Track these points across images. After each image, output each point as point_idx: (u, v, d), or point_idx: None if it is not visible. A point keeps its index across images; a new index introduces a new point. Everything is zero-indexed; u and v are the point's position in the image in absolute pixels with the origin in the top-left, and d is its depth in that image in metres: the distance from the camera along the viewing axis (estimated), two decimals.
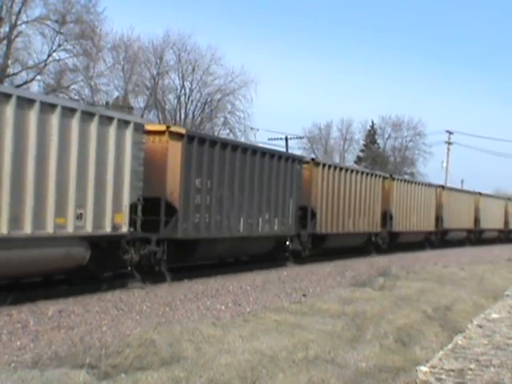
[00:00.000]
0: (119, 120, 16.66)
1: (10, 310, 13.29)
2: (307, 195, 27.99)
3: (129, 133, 16.93)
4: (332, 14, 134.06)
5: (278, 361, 9.44)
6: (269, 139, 69.39)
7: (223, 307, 15.10)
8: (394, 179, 38.51)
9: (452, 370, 10.13)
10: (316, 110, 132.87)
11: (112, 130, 16.36)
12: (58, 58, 48.17)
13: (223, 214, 21.57)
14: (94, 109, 18.56)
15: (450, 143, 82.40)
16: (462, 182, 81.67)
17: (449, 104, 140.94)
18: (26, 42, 47.20)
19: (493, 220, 58.42)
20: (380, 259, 31.62)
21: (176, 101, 64.04)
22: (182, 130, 20.37)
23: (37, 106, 14.12)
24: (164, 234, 19.01)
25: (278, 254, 26.76)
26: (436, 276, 22.92)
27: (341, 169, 31.52)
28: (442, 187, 48.66)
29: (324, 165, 29.76)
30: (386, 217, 37.11)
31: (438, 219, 45.70)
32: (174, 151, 19.30)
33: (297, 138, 76.19)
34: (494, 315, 15.94)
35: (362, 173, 34.22)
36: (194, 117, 63.86)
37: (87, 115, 15.60)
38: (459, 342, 12.35)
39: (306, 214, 28.04)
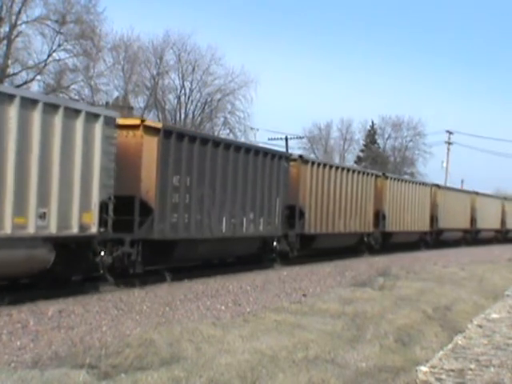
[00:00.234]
0: (87, 113, 15.66)
1: (10, 309, 13.30)
2: (295, 194, 27.07)
3: (98, 127, 15.90)
4: (332, 14, 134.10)
5: (277, 361, 9.44)
6: (269, 139, 69.41)
7: (223, 307, 15.10)
8: (387, 178, 37.58)
9: (452, 370, 10.13)
10: (316, 110, 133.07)
11: (79, 124, 15.35)
12: (58, 58, 48.26)
13: (204, 214, 20.60)
14: (59, 100, 17.77)
15: (450, 143, 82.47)
16: (462, 182, 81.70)
17: (449, 104, 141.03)
18: (26, 42, 47.29)
19: (489, 220, 57.49)
20: (380, 259, 31.57)
21: (176, 101, 64.14)
22: (158, 124, 19.51)
23: None
24: (139, 234, 18.09)
25: (265, 255, 25.74)
26: (436, 276, 22.93)
27: (331, 166, 30.61)
28: (437, 186, 47.66)
29: (313, 162, 28.91)
30: (379, 216, 36.15)
31: (433, 219, 44.80)
32: (150, 147, 18.34)
33: (297, 137, 76.22)
34: (494, 315, 15.93)
35: (354, 171, 33.27)
36: (193, 117, 63.89)
37: (51, 107, 14.61)
38: (459, 342, 12.35)
39: (293, 214, 27.10)
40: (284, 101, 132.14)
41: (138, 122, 18.66)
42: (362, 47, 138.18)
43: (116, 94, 58.59)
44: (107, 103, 52.79)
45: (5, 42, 45.87)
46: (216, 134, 58.90)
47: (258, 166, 23.72)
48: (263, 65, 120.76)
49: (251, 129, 66.27)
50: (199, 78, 64.32)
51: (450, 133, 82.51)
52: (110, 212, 16.58)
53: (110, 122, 16.36)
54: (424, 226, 43.18)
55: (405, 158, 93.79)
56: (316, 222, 28.58)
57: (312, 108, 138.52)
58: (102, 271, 16.90)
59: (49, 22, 47.30)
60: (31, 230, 14.29)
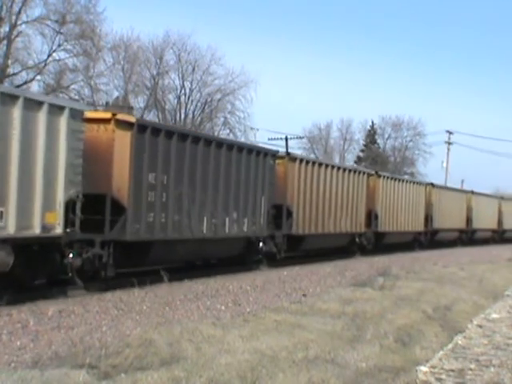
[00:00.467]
0: (51, 105, 14.63)
1: (10, 309, 13.30)
2: (282, 193, 26.10)
3: (63, 120, 14.83)
4: (332, 14, 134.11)
5: (278, 361, 9.44)
6: (269, 139, 69.30)
7: (223, 307, 15.10)
8: (379, 176, 36.53)
9: (452, 370, 10.13)
10: (316, 110, 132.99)
11: (42, 116, 14.34)
12: (57, 58, 48.25)
13: (183, 213, 19.60)
14: (18, 91, 16.88)
15: (450, 143, 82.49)
16: (462, 182, 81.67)
17: (449, 104, 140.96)
18: (26, 42, 47.28)
19: (486, 220, 56.37)
20: (379, 259, 31.57)
21: (176, 101, 64.11)
22: (131, 118, 18.27)
23: None
24: (110, 235, 17.09)
25: (250, 256, 24.57)
26: (436, 276, 22.93)
27: (320, 164, 29.58)
28: (432, 185, 46.51)
29: (301, 160, 27.89)
30: (371, 216, 35.20)
31: (428, 219, 43.84)
32: (122, 142, 17.30)
33: (297, 137, 76.11)
34: (494, 315, 15.94)
35: (345, 169, 32.26)
36: (193, 117, 63.88)
37: (8, 98, 13.69)
38: (459, 342, 12.35)
39: (280, 214, 26.12)
40: (284, 101, 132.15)
41: (108, 115, 17.65)
42: (362, 47, 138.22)
43: (116, 93, 58.57)
44: (107, 103, 52.66)
45: (5, 41, 45.87)
46: (216, 134, 58.94)
47: (242, 163, 22.75)
48: (263, 65, 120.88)
49: (251, 129, 66.30)
50: (199, 78, 64.36)
51: (450, 133, 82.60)
52: (78, 211, 15.54)
53: (76, 115, 15.30)
54: (418, 225, 42.24)
55: (405, 158, 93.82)
56: (304, 222, 27.68)
57: (312, 108, 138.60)
58: (70, 274, 15.90)
59: (49, 22, 47.33)
60: None
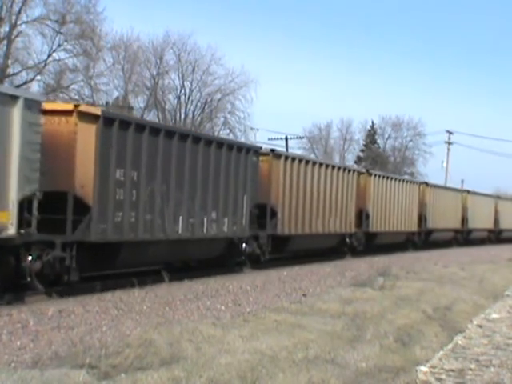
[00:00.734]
0: (1, 94, 13.61)
1: (10, 309, 13.30)
2: (266, 191, 24.77)
3: (17, 111, 13.66)
4: (332, 15, 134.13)
5: (278, 361, 9.44)
6: (269, 139, 69.45)
7: (223, 307, 15.10)
8: (370, 174, 35.21)
9: (452, 370, 10.13)
10: (316, 110, 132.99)
11: None
12: (57, 58, 48.30)
13: (155, 213, 18.36)
14: None
15: (450, 143, 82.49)
16: (462, 182, 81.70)
17: (449, 104, 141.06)
18: (26, 42, 47.34)
19: (482, 219, 54.89)
20: (379, 259, 31.54)
21: (176, 101, 64.16)
22: (97, 110, 17.04)
23: None
24: (73, 236, 15.80)
25: (231, 258, 23.22)
26: (436, 276, 22.93)
27: (307, 162, 28.26)
28: (426, 184, 45.22)
29: (286, 157, 26.62)
30: (362, 216, 33.97)
31: (422, 218, 42.54)
32: (86, 136, 16.07)
33: (297, 137, 76.29)
34: (494, 315, 15.94)
35: (333, 167, 30.88)
36: (193, 117, 63.91)
37: None
38: (459, 342, 12.35)
39: (264, 213, 24.82)
40: (284, 101, 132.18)
41: (70, 107, 16.37)
42: (362, 47, 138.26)
43: (116, 93, 58.70)
44: (107, 103, 52.84)
45: (5, 42, 45.90)
46: (216, 134, 58.94)
47: (222, 160, 21.45)
48: (263, 65, 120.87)
49: (251, 129, 66.34)
50: (199, 78, 64.40)
51: (450, 133, 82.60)
52: (35, 210, 14.35)
53: (32, 107, 14.13)
54: (411, 225, 40.84)
55: (405, 158, 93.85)
56: (290, 222, 26.42)
57: (312, 108, 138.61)
58: (29, 279, 14.71)
59: (49, 22, 47.37)
60: None
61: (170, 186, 18.98)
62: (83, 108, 16.56)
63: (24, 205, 14.07)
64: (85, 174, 16.07)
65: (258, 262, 24.62)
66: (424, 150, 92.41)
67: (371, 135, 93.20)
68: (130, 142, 17.36)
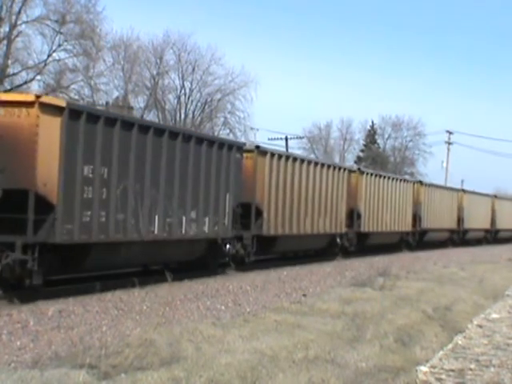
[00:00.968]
0: None
1: (10, 309, 13.30)
2: (251, 190, 23.75)
3: None
4: (332, 14, 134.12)
5: (278, 361, 9.44)
6: (269, 139, 69.53)
7: (223, 307, 15.10)
8: (362, 173, 34.24)
9: (452, 370, 10.13)
10: (316, 110, 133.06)
11: None
12: (57, 58, 48.28)
13: (128, 212, 17.21)
14: None
15: (450, 143, 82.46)
16: (462, 182, 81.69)
17: (449, 104, 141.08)
18: (26, 41, 47.34)
19: (478, 219, 53.99)
20: (379, 259, 31.53)
21: (176, 101, 64.15)
22: (61, 102, 15.81)
23: None
24: (35, 237, 14.69)
25: (212, 260, 22.11)
26: (436, 276, 22.95)
27: (294, 159, 27.11)
28: (420, 183, 44.51)
29: (272, 154, 25.38)
30: (353, 215, 33.04)
31: (416, 218, 41.67)
32: (49, 129, 14.89)
33: (297, 138, 76.34)
34: (494, 315, 15.94)
35: (323, 165, 29.77)
36: (193, 117, 63.91)
37: None
38: (459, 342, 12.35)
39: (249, 213, 23.72)
40: (284, 101, 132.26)
41: (31, 98, 15.21)
42: (362, 47, 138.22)
43: (116, 93, 58.69)
44: (107, 103, 52.83)
45: (5, 41, 45.90)
46: (216, 134, 58.94)
47: (202, 156, 20.30)
48: (263, 65, 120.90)
49: (251, 129, 66.36)
50: (199, 78, 64.40)
51: (450, 133, 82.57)
52: None
53: None
54: (405, 225, 39.89)
55: (405, 158, 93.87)
56: (277, 221, 25.37)
57: (312, 108, 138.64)
58: None
59: (49, 22, 47.36)
60: None
61: (145, 184, 17.94)
62: (46, 99, 15.52)
63: None
64: (48, 171, 14.94)
65: (242, 264, 23.71)
66: (424, 150, 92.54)
67: (371, 135, 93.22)
68: (99, 136, 16.24)
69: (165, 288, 17.78)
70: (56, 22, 47.28)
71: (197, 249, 21.10)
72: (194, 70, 63.95)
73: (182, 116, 63.56)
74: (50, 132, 14.88)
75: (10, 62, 46.58)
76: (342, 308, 14.43)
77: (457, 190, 52.49)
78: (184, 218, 19.52)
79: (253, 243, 24.13)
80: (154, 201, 18.23)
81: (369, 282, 19.60)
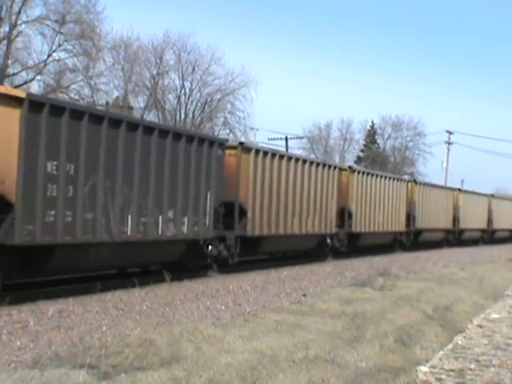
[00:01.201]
0: None
1: (10, 309, 13.29)
2: (234, 188, 22.66)
3: None
4: (332, 14, 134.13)
5: (278, 361, 9.44)
6: (269, 139, 69.63)
7: (223, 307, 15.10)
8: (353, 171, 33.17)
9: (452, 370, 10.13)
10: (316, 110, 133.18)
11: None
12: (57, 58, 48.32)
13: (97, 211, 16.12)
14: None
15: (450, 143, 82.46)
16: (462, 182, 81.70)
17: (449, 104, 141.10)
18: (26, 41, 47.39)
19: (474, 219, 53.04)
20: (379, 259, 31.52)
21: (176, 101, 64.16)
22: (21, 93, 14.64)
23: None
24: None
25: (192, 261, 21.02)
26: (436, 276, 22.95)
27: (281, 156, 25.95)
28: (414, 181, 43.42)
29: (257, 151, 24.23)
30: (344, 215, 31.93)
31: (410, 218, 40.66)
32: (7, 122, 13.84)
33: (297, 138, 76.43)
34: (494, 315, 15.93)
35: (312, 163, 28.63)
36: (193, 117, 63.91)
37: None
38: (459, 342, 12.34)
39: (232, 212, 22.69)
40: (284, 101, 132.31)
41: None
42: (362, 47, 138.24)
43: (116, 93, 58.69)
44: (107, 103, 52.83)
45: (5, 41, 45.92)
46: (216, 134, 58.95)
47: (180, 153, 19.26)
48: (263, 65, 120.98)
49: (251, 129, 66.37)
50: (199, 78, 64.41)
51: (450, 133, 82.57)
52: None
53: None
54: (399, 225, 38.75)
55: (405, 158, 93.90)
56: (262, 221, 24.26)
57: (312, 108, 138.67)
58: None
59: (49, 22, 47.42)
60: None
61: (117, 181, 16.81)
62: (2, 89, 14.51)
63: None
64: (6, 167, 13.84)
65: (226, 266, 22.69)
66: (424, 150, 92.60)
67: (371, 135, 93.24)
68: (64, 130, 15.05)
69: (165, 288, 17.75)
70: (56, 21, 47.33)
71: (176, 250, 20.05)
72: (193, 70, 64.01)
73: (182, 116, 63.58)
74: (7, 125, 13.82)
75: (9, 61, 46.60)
76: (342, 308, 14.43)
77: (452, 190, 51.55)
78: (160, 218, 18.50)
79: (236, 244, 23.07)
80: (126, 199, 17.17)
81: (369, 282, 19.59)
